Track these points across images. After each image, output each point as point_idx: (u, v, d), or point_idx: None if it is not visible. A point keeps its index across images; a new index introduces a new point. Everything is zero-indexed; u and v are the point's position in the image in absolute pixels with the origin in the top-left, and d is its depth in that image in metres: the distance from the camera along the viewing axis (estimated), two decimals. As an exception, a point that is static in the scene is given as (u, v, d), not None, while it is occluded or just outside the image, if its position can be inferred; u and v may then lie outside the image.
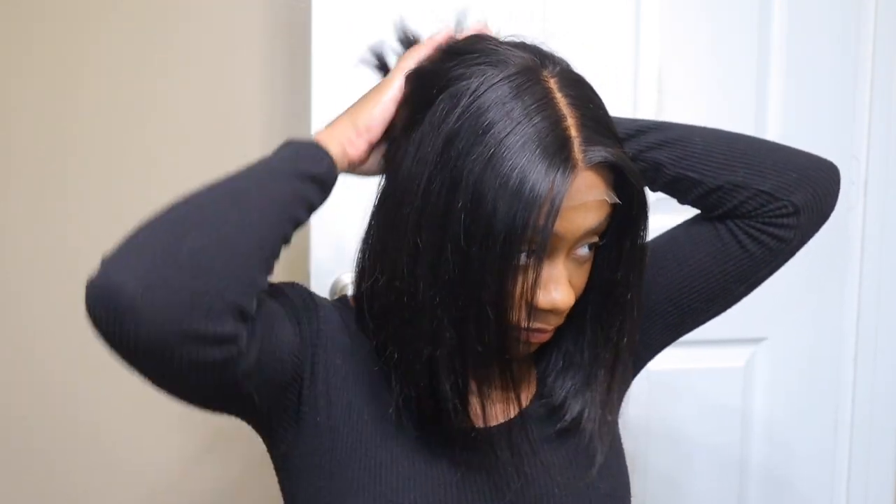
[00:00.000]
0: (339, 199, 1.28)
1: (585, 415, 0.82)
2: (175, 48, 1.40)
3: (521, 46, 0.77)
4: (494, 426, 0.79)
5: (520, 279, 0.72)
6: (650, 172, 0.87)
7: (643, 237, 0.78)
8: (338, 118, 0.80)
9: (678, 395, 1.50)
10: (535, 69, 0.73)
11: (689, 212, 0.93)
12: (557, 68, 0.75)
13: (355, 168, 0.81)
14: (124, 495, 1.46)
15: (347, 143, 0.78)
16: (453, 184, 0.70)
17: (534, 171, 0.68)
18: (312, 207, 0.75)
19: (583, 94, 0.74)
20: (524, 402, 0.84)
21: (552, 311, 0.75)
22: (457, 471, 0.78)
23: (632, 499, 0.89)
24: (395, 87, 0.79)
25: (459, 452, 0.78)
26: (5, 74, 1.37)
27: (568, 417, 0.82)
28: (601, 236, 0.77)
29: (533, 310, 0.73)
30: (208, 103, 1.40)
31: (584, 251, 0.76)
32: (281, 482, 0.83)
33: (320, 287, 1.27)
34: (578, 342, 0.84)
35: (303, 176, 0.73)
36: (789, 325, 1.53)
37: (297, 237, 1.41)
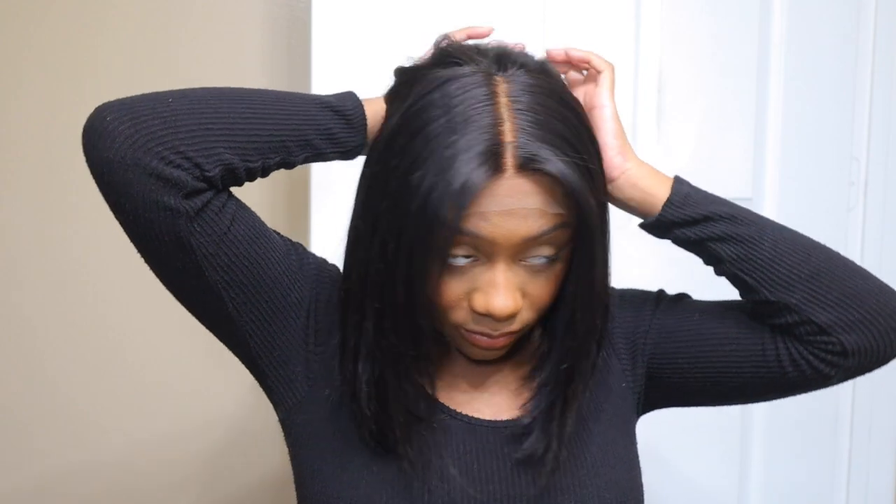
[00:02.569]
0: (339, 200, 1.29)
1: (548, 454, 0.79)
2: (175, 47, 1.40)
3: (492, 51, 0.75)
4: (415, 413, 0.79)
5: (450, 281, 0.73)
6: (711, 261, 0.83)
7: (589, 255, 0.74)
8: None
9: (678, 395, 1.50)
10: (488, 73, 0.72)
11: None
12: (518, 73, 0.72)
13: None
14: (127, 493, 1.47)
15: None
16: (385, 182, 0.72)
17: (451, 170, 0.67)
18: (332, 136, 0.78)
19: (535, 101, 0.71)
20: (509, 414, 0.83)
21: (491, 317, 0.73)
22: (463, 473, 0.78)
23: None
24: None
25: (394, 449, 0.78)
26: (3, 75, 1.37)
27: (528, 449, 0.79)
28: (560, 247, 0.74)
29: (475, 314, 0.74)
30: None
31: (538, 261, 0.73)
32: (288, 449, 0.85)
33: (320, 287, 1.27)
34: (551, 359, 0.82)
35: (322, 104, 0.77)
36: (789, 325, 1.52)
37: (297, 234, 1.41)
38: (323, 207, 1.30)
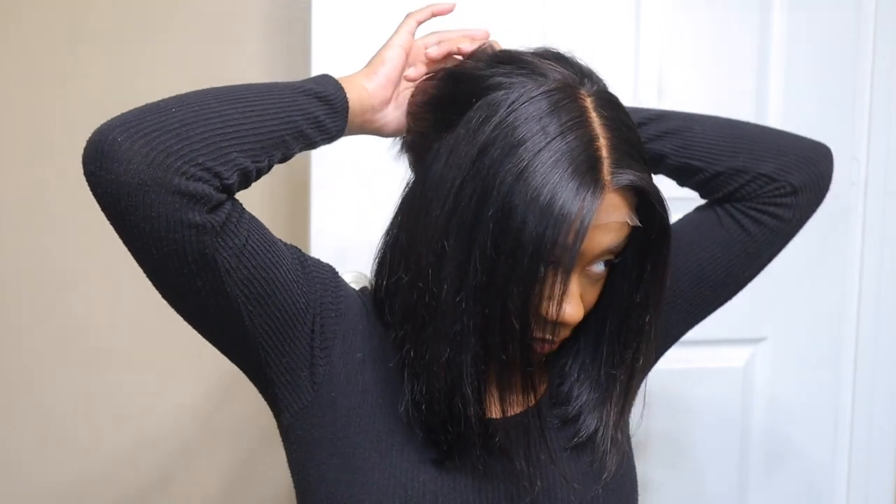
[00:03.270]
0: (339, 200, 1.29)
1: (600, 434, 0.83)
2: (175, 47, 1.40)
3: (561, 60, 0.78)
4: (510, 417, 0.80)
5: (542, 291, 0.73)
6: (653, 161, 0.89)
7: (665, 261, 0.78)
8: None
9: (678, 395, 1.50)
10: (572, 86, 0.74)
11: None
12: (595, 87, 0.76)
13: (377, 111, 0.83)
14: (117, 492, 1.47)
15: (364, 77, 0.82)
16: (484, 193, 0.71)
17: (565, 190, 0.69)
18: (319, 123, 0.77)
19: (616, 116, 0.75)
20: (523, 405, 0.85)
21: (561, 324, 0.76)
22: (470, 476, 0.79)
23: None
24: (401, 33, 0.86)
25: (469, 456, 0.78)
26: (1, 75, 1.37)
27: (584, 434, 0.83)
28: (617, 255, 0.78)
29: (544, 321, 0.75)
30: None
31: (598, 268, 0.77)
32: (289, 456, 0.84)
33: (320, 287, 1.27)
34: (596, 358, 0.84)
35: (307, 92, 0.76)
36: (789, 325, 1.53)
37: (297, 237, 1.40)
38: (323, 208, 1.30)
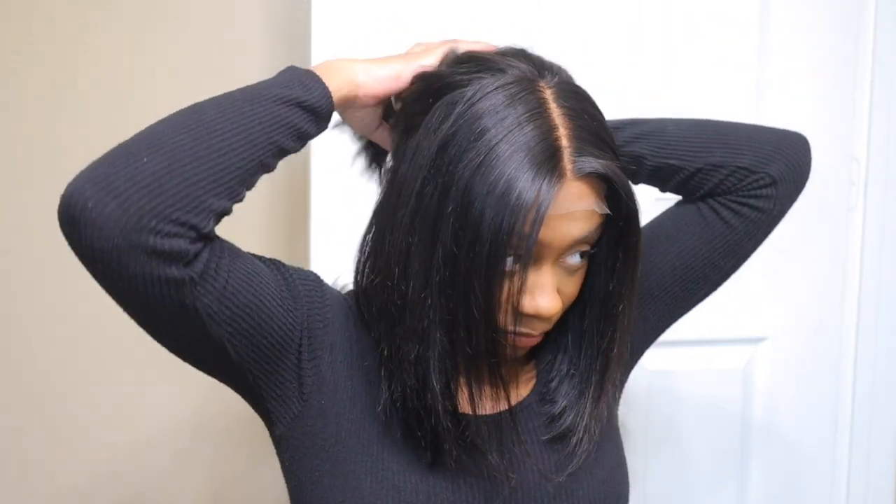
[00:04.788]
0: (338, 200, 1.29)
1: (576, 427, 0.84)
2: (175, 48, 1.40)
3: (522, 56, 0.78)
4: (482, 415, 0.79)
5: (506, 284, 0.73)
6: (632, 166, 0.89)
7: (634, 249, 0.78)
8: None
9: (678, 396, 1.50)
10: (531, 79, 0.74)
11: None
12: (556, 79, 0.75)
13: (369, 107, 0.82)
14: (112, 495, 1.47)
15: (363, 69, 0.79)
16: (445, 189, 0.71)
17: (521, 179, 0.69)
18: (303, 134, 0.75)
19: (578, 106, 0.74)
20: (519, 398, 0.86)
21: (537, 317, 0.76)
22: (447, 473, 0.79)
23: (631, 499, 0.90)
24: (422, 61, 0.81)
25: (447, 454, 0.79)
26: (3, 74, 1.37)
27: (561, 427, 0.84)
28: (594, 245, 0.78)
29: (519, 315, 0.75)
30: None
31: (574, 260, 0.76)
32: (282, 463, 0.84)
33: (320, 287, 1.27)
34: (580, 350, 0.85)
35: (289, 102, 0.73)
36: (789, 325, 1.53)
37: (297, 237, 1.40)
38: (323, 208, 1.30)
